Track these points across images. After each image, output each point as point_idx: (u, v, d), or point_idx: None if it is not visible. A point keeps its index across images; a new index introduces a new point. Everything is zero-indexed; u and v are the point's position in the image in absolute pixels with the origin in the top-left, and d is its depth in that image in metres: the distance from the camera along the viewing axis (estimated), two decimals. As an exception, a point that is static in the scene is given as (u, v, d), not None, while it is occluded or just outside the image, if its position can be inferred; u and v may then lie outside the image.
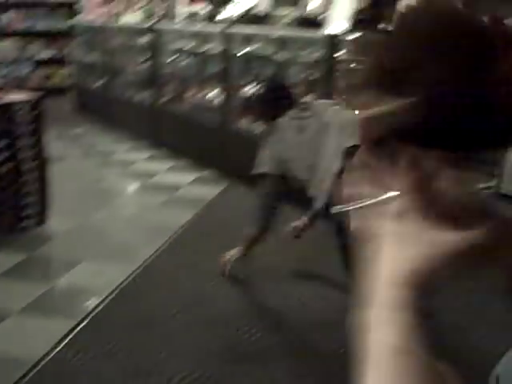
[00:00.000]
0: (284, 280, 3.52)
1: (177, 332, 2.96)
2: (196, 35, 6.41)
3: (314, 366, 2.70)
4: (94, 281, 3.53)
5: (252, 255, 3.38)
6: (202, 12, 6.96)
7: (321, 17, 4.84)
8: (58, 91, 8.84)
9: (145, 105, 6.82)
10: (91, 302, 3.26)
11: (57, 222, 4.35)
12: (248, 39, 5.61)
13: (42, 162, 4.28)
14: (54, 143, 5.65)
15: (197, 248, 3.98)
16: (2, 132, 4.06)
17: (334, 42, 4.43)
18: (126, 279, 3.53)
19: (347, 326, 0.81)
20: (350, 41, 4.50)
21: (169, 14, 8.70)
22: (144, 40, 6.86)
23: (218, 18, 6.08)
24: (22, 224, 4.20)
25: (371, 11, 4.72)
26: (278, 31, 5.29)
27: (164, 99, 6.63)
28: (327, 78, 4.53)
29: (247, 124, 5.45)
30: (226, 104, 5.58)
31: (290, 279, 3.53)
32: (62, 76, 9.52)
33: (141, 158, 6.26)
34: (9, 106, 4.10)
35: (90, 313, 3.15)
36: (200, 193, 5.15)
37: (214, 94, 5.88)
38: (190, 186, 5.37)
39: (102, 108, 7.62)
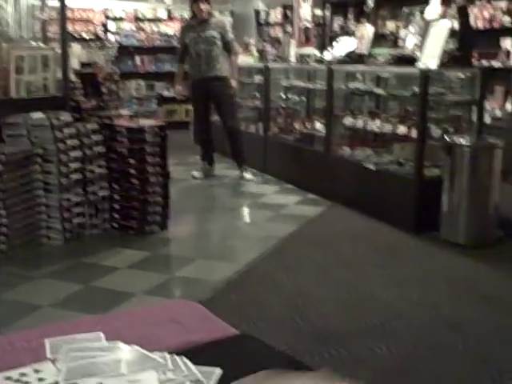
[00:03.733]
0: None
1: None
2: (306, 72, 7.11)
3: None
4: (205, 274, 4.14)
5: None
6: (311, 53, 7.61)
7: (415, 55, 5.30)
8: (180, 125, 9.77)
9: (257, 135, 7.51)
10: (202, 290, 3.84)
11: (176, 229, 5.04)
12: (350, 76, 6.18)
13: (165, 178, 4.99)
14: (176, 167, 6.45)
15: (297, 254, 4.51)
16: (135, 150, 4.82)
17: (427, 77, 4.87)
18: (233, 275, 4.10)
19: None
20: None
21: (283, 55, 9.45)
22: (259, 78, 7.63)
23: (325, 57, 6.67)
24: (147, 228, 4.90)
25: (461, 50, 5.16)
26: (377, 68, 5.80)
27: (275, 130, 7.30)
28: (422, 110, 4.96)
29: (348, 151, 5.98)
30: (330, 134, 6.14)
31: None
32: (183, 111, 10.51)
33: (251, 182, 6.92)
34: (142, 129, 4.86)
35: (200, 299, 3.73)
36: (303, 212, 5.69)
37: (320, 125, 6.47)
38: (294, 206, 5.92)
39: (220, 139, 8.38)
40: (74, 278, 4.00)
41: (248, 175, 6.96)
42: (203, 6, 6.66)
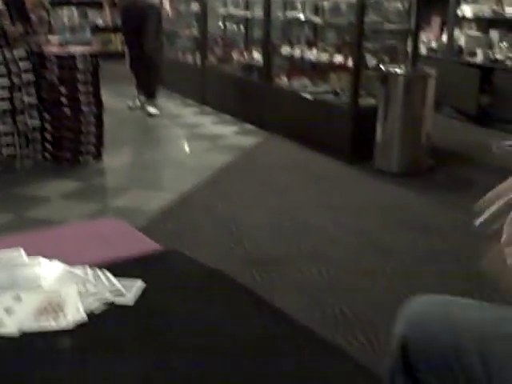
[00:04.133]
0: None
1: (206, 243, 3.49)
2: (244, 1, 6.97)
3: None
4: (141, 204, 4.11)
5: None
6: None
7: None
8: (116, 55, 9.47)
9: (194, 65, 7.37)
10: (137, 219, 3.82)
11: (111, 159, 4.96)
12: (289, 4, 6.10)
13: (99, 107, 4.86)
14: (112, 98, 6.30)
15: (233, 184, 4.52)
16: (65, 78, 4.66)
17: (363, 5, 4.83)
18: (168, 204, 4.08)
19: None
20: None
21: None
22: (196, 6, 7.42)
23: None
24: (81, 159, 4.81)
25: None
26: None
27: (212, 60, 7.18)
28: (358, 40, 4.94)
29: (285, 81, 5.95)
30: (268, 64, 6.08)
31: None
32: (118, 42, 10.16)
33: (188, 112, 6.84)
34: (72, 56, 4.69)
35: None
36: (240, 142, 5.67)
37: (258, 55, 6.39)
38: (232, 136, 5.90)
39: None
40: (5, 209, 3.91)
41: (153, 109, 6.64)
42: None
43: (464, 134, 6.27)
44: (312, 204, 4.14)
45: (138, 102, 6.84)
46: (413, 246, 3.51)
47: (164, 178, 4.79)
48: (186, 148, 5.52)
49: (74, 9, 10.11)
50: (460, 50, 6.79)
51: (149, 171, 4.83)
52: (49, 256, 1.51)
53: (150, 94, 6.72)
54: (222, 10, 7.25)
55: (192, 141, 5.75)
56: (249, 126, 6.16)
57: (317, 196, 4.31)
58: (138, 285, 1.39)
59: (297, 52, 5.77)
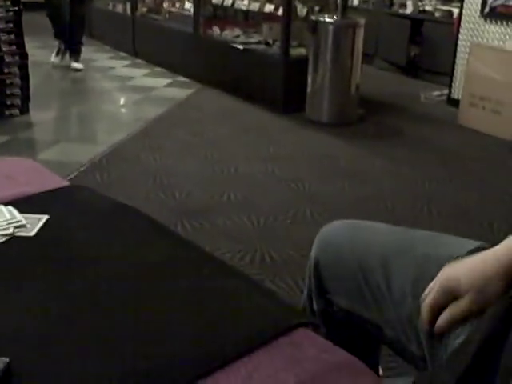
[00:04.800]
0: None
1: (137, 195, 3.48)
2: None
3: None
4: (69, 156, 4.03)
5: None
6: None
7: None
8: (42, 5, 9.09)
9: (124, 15, 7.17)
10: (66, 171, 3.75)
11: (38, 112, 4.81)
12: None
13: (23, 58, 4.69)
14: (37, 50, 6.08)
15: (164, 135, 4.48)
16: (-15, 26, 4.47)
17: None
18: (98, 156, 4.02)
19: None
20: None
21: None
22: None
23: None
24: (6, 112, 4.65)
25: None
26: None
27: (142, 10, 7.00)
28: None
29: (217, 32, 5.88)
30: (199, 13, 5.97)
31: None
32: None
33: (119, 64, 6.68)
34: (-7, 3, 4.49)
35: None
36: (172, 94, 5.61)
37: (189, 4, 6.26)
38: (164, 88, 5.82)
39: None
40: None
41: (78, 65, 6.33)
42: None
43: (394, 84, 6.37)
44: (243, 154, 4.16)
45: (58, 58, 6.43)
46: (341, 193, 3.58)
47: (94, 130, 4.71)
48: (117, 100, 5.40)
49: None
50: (391, 1, 6.84)
51: (78, 124, 4.74)
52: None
53: (74, 49, 6.36)
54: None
55: (123, 93, 5.64)
56: (181, 78, 6.09)
57: (248, 146, 4.33)
58: (43, 218, 1.39)
59: (228, 1, 5.69)
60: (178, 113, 5.09)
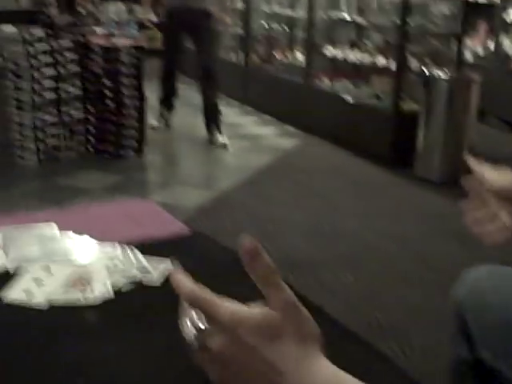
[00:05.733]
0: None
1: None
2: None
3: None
4: (179, 200, 4.14)
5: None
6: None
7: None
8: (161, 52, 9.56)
9: (237, 64, 7.39)
10: (175, 215, 3.84)
11: (152, 154, 5.00)
12: (332, 4, 6.06)
13: (141, 101, 4.92)
14: (153, 94, 6.34)
15: (271, 184, 4.52)
16: (109, 70, 4.72)
17: (407, 7, 4.79)
18: (207, 201, 4.11)
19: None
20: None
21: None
22: (240, 3, 7.43)
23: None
24: (122, 152, 4.86)
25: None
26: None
27: (255, 59, 7.18)
28: (401, 42, 4.90)
29: (327, 83, 5.93)
30: (310, 64, 6.06)
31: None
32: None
33: (230, 111, 6.84)
34: (117, 49, 4.75)
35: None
36: (280, 143, 5.67)
37: (300, 55, 6.38)
38: (272, 137, 5.90)
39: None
40: (46, 199, 3.98)
41: (222, 138, 5.50)
42: None
43: (508, 144, 6.15)
44: (350, 208, 4.12)
45: (159, 122, 5.77)
46: (450, 255, 3.46)
47: (203, 175, 4.82)
48: (228, 147, 5.48)
49: (121, 4, 10.22)
50: (507, 57, 6.67)
51: (188, 168, 4.86)
52: (79, 232, 1.55)
53: (212, 120, 5.59)
54: (265, 8, 7.24)
55: (232, 140, 5.76)
56: (290, 128, 6.14)
57: (355, 200, 4.28)
58: (165, 264, 1.41)
59: (339, 53, 5.74)
60: (286, 162, 5.13)
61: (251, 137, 5.86)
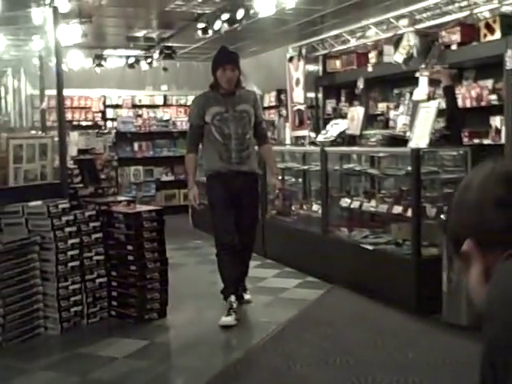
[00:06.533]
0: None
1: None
2: (301, 155, 7.23)
3: None
4: (205, 362, 4.05)
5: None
6: (306, 135, 7.77)
7: (406, 135, 5.43)
8: (179, 208, 9.84)
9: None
10: (198, 379, 3.75)
11: (175, 316, 4.97)
12: (345, 157, 6.28)
13: (163, 264, 4.98)
14: (175, 252, 6.42)
15: (297, 340, 4.44)
16: (133, 236, 4.82)
17: (418, 156, 4.95)
18: (233, 362, 4.02)
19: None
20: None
21: (278, 138, 9.68)
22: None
23: (318, 139, 6.79)
24: (146, 316, 4.84)
25: (449, 129, 5.30)
26: (369, 148, 5.91)
27: (272, 212, 7.32)
28: (416, 189, 5.01)
29: (345, 232, 6.00)
30: (327, 215, 6.16)
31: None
32: (181, 196, 10.61)
33: (251, 265, 6.85)
34: (139, 214, 4.89)
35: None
36: (302, 294, 5.63)
37: (316, 207, 6.50)
38: (294, 289, 5.86)
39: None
40: (69, 370, 3.93)
41: (246, 295, 5.42)
42: (231, 74, 4.80)
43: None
44: (379, 361, 4.00)
45: (231, 318, 4.83)
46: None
47: (229, 334, 4.71)
48: (251, 302, 5.44)
49: (140, 167, 10.65)
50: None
51: (212, 328, 4.77)
52: None
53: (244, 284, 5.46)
54: (280, 164, 7.49)
55: (254, 294, 5.73)
56: (310, 278, 6.13)
57: (383, 352, 4.17)
58: None
59: (355, 203, 5.86)
60: (309, 315, 5.06)
61: (273, 290, 5.82)
